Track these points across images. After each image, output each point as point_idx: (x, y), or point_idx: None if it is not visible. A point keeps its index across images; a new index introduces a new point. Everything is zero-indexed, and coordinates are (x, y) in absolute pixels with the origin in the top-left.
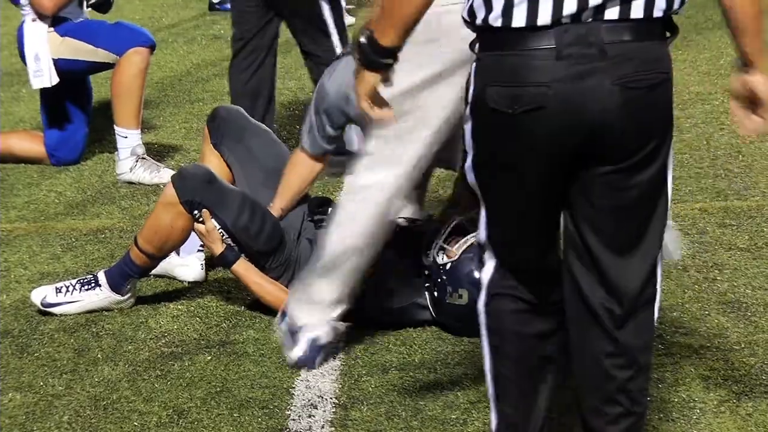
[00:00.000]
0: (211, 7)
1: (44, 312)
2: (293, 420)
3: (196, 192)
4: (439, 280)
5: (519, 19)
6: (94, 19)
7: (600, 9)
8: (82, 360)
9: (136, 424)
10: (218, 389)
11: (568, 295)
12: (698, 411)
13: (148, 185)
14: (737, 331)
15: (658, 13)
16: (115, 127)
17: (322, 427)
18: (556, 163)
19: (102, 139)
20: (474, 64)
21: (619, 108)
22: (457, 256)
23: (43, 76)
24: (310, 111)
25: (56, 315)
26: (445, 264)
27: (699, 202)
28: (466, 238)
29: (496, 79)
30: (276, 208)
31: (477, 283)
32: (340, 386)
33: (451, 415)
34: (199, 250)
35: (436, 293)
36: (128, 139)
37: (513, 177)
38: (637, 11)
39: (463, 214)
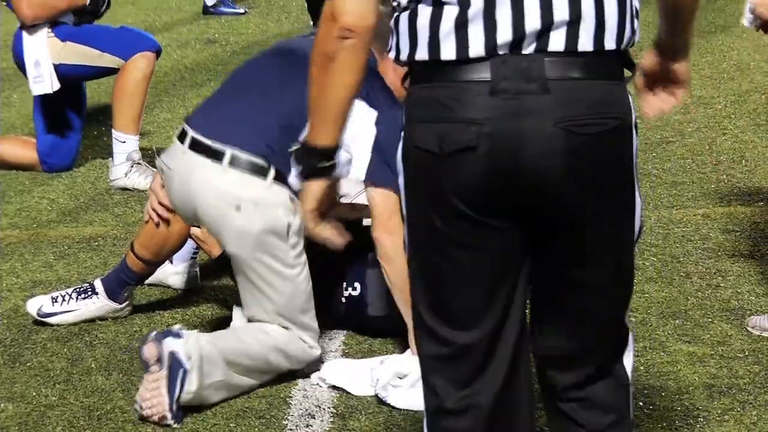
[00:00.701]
0: (205, 11)
1: (39, 322)
2: (291, 430)
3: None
4: None
5: (448, 52)
6: (98, 24)
7: (541, 39)
8: (76, 370)
9: None
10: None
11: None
12: (702, 420)
13: (143, 191)
14: (741, 338)
15: (610, 44)
16: (114, 131)
17: None
18: (485, 221)
19: (94, 145)
20: (404, 100)
21: (562, 156)
22: None
23: (44, 82)
24: None
25: (52, 325)
26: None
27: (702, 208)
28: None
29: (423, 115)
30: None
31: None
32: (338, 396)
33: None
34: (192, 258)
35: None
36: (126, 144)
37: (441, 237)
38: (585, 42)
39: None
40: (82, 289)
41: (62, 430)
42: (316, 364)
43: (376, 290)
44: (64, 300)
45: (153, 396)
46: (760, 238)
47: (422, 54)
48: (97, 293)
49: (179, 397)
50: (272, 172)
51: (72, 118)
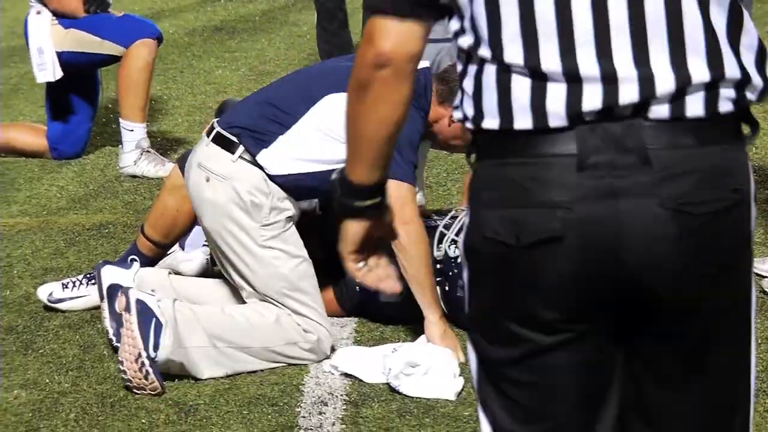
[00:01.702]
0: None
1: (50, 308)
2: (303, 417)
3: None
4: (450, 273)
5: (522, 119)
6: (101, 13)
7: (640, 107)
8: (88, 357)
9: (144, 421)
10: (226, 386)
11: None
12: None
13: (152, 179)
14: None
15: (726, 106)
16: (121, 120)
17: (333, 424)
18: (575, 326)
19: (103, 132)
20: (469, 181)
21: (673, 242)
22: None
23: (47, 69)
24: None
25: (62, 311)
26: (457, 257)
27: None
28: None
29: (494, 198)
30: None
31: None
32: (350, 383)
33: (464, 412)
34: (204, 245)
35: (447, 287)
36: (134, 132)
37: (517, 346)
38: (695, 107)
39: None
40: (92, 274)
41: (76, 417)
42: (323, 352)
43: None
44: (74, 286)
45: (126, 337)
46: None
47: (491, 122)
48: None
49: (157, 347)
50: (240, 149)
51: (83, 106)
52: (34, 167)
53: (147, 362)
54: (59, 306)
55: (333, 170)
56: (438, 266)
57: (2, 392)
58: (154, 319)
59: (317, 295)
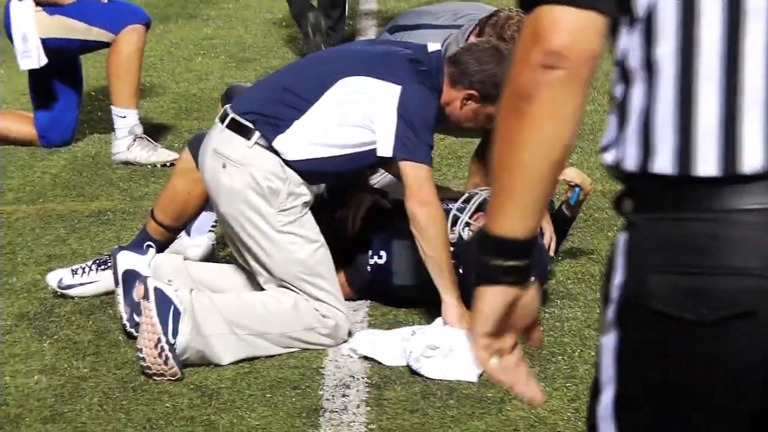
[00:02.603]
0: None
1: (59, 295)
2: (327, 400)
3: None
4: (464, 256)
5: (708, 164)
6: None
7: None
8: (104, 342)
9: (168, 405)
10: (246, 370)
11: None
12: None
13: (146, 165)
14: None
15: None
16: (113, 107)
17: (358, 406)
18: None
19: (89, 119)
20: (623, 235)
21: None
22: None
23: (32, 56)
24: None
25: (72, 297)
26: (470, 241)
27: None
28: None
29: (663, 260)
30: None
31: None
32: (370, 366)
33: (488, 393)
34: (210, 231)
35: (461, 270)
36: (126, 118)
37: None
38: None
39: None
40: (101, 260)
41: (99, 401)
42: (340, 337)
43: (403, 259)
44: (84, 272)
45: (146, 324)
46: None
47: (663, 165)
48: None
49: (175, 334)
50: (256, 135)
51: (68, 93)
52: (24, 155)
53: (166, 347)
54: (69, 292)
55: (348, 155)
56: (452, 249)
57: (22, 378)
58: (172, 307)
59: (334, 280)
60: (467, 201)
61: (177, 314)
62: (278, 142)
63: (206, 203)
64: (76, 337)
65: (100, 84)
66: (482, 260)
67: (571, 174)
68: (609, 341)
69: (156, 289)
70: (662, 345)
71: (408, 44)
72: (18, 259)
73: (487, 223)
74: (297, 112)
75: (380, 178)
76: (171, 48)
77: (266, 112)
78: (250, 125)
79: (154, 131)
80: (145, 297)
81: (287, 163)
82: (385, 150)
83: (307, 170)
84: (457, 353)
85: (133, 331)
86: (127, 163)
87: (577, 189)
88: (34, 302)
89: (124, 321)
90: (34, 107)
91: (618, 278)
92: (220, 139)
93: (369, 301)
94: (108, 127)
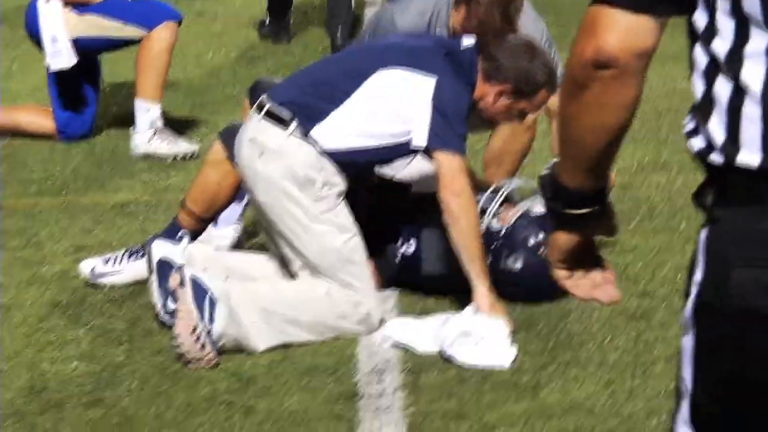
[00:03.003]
0: None
1: (91, 284)
2: (364, 385)
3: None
4: (492, 246)
5: None
6: None
7: None
8: (137, 330)
9: (206, 390)
10: (280, 357)
11: None
12: None
13: (165, 158)
14: None
15: None
16: (137, 99)
17: (394, 391)
18: None
19: (106, 114)
20: (703, 230)
21: None
22: (510, 223)
23: (62, 56)
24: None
25: (105, 286)
26: (500, 230)
27: None
28: (518, 206)
29: (748, 254)
30: None
31: (532, 249)
32: (404, 353)
33: (522, 379)
34: (236, 222)
35: (489, 259)
36: (150, 112)
37: None
38: None
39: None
40: (134, 249)
41: (138, 387)
42: (372, 324)
43: (433, 249)
44: (116, 261)
45: (182, 311)
46: None
47: (749, 158)
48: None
49: (212, 321)
50: (293, 125)
51: (87, 88)
52: (44, 149)
53: (203, 333)
54: (102, 280)
55: (384, 145)
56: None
57: (60, 365)
58: (208, 295)
59: (367, 269)
60: (495, 191)
61: (213, 302)
62: (315, 133)
63: (236, 194)
64: (109, 325)
65: (115, 80)
66: (554, 206)
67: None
68: (687, 342)
69: (192, 277)
70: (740, 341)
71: (441, 38)
72: (46, 250)
73: (558, 174)
74: (334, 104)
75: (402, 171)
76: (182, 45)
77: (304, 103)
78: (288, 115)
79: (170, 125)
80: (182, 285)
81: (323, 153)
82: (420, 140)
83: (343, 160)
84: (489, 340)
85: (166, 319)
86: (146, 156)
87: None
88: (66, 291)
89: (158, 309)
90: (53, 102)
91: (698, 274)
92: (258, 128)
93: (398, 290)
94: (125, 121)
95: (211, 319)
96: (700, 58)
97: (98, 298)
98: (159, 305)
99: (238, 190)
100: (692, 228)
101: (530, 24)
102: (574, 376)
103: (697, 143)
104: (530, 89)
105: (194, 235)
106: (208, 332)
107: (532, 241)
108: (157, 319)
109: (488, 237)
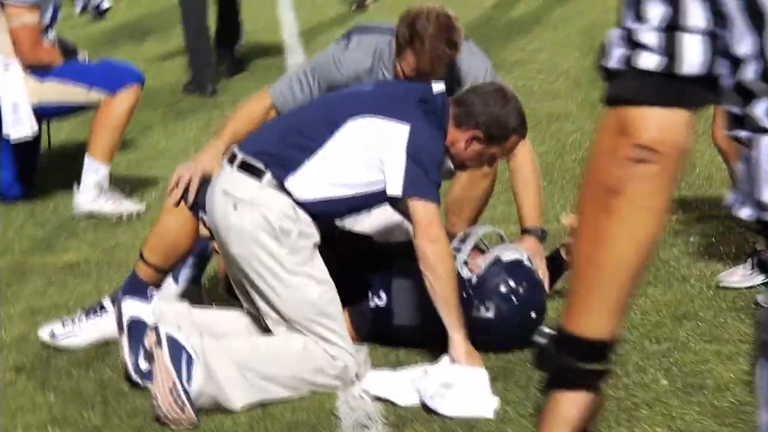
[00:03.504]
0: None
1: (54, 348)
2: None
3: (203, 194)
4: (464, 295)
5: None
6: (75, 59)
7: None
8: (109, 392)
9: None
10: (260, 415)
11: None
12: (751, 413)
13: (110, 217)
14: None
15: None
16: (89, 158)
17: None
18: None
19: (46, 173)
20: None
21: None
22: (482, 270)
23: (23, 125)
24: None
25: (66, 348)
26: (470, 278)
27: (674, 214)
28: (490, 252)
29: None
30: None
31: (504, 296)
32: (384, 407)
33: (507, 429)
34: (195, 275)
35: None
36: (99, 172)
37: None
38: None
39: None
40: (90, 309)
41: None
42: (350, 378)
43: (403, 300)
44: (73, 322)
45: (160, 371)
46: (738, 240)
47: None
48: (106, 310)
49: (189, 380)
50: (267, 176)
51: (31, 149)
52: None
53: (182, 394)
54: (63, 343)
55: (359, 194)
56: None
57: (35, 431)
58: (184, 353)
59: (343, 322)
60: (464, 240)
61: (190, 360)
62: (290, 183)
63: (196, 242)
64: (79, 388)
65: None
66: (564, 362)
67: (575, 220)
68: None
69: (168, 336)
70: None
71: (413, 84)
72: (2, 314)
73: (567, 321)
74: (308, 153)
75: (366, 223)
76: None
77: (277, 153)
78: (261, 166)
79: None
80: (158, 344)
81: (298, 203)
82: (395, 189)
83: (318, 210)
84: (471, 391)
85: (138, 379)
86: (90, 215)
87: None
88: (29, 355)
89: (129, 369)
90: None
91: None
92: (230, 180)
93: (368, 343)
94: (63, 180)
95: (189, 378)
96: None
97: (63, 360)
98: (130, 365)
99: (197, 239)
100: (650, 272)
101: (477, 62)
102: None
103: (747, 212)
104: (502, 134)
105: (155, 288)
106: (186, 391)
107: (503, 289)
108: (127, 379)
109: (459, 286)
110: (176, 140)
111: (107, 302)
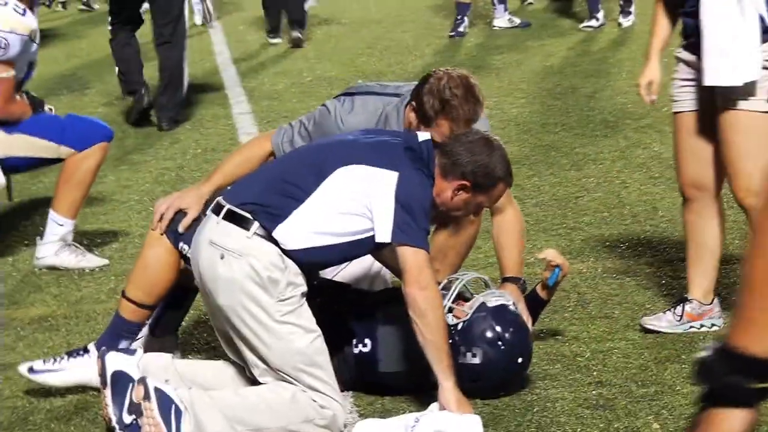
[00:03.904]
0: None
1: (29, 401)
2: None
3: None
4: (450, 341)
5: None
6: (44, 113)
7: None
8: None
9: None
10: None
11: None
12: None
13: (72, 271)
14: None
15: None
16: (53, 212)
17: None
18: None
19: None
20: None
21: None
22: (468, 316)
23: None
24: None
25: (44, 384)
26: (456, 324)
27: (642, 256)
28: (475, 298)
29: None
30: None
31: (491, 342)
32: None
33: None
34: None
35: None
36: (63, 227)
37: None
38: None
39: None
40: (74, 351)
41: None
42: (338, 427)
43: (388, 346)
44: (55, 360)
45: (149, 425)
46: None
47: None
48: (89, 352)
49: None
50: (255, 225)
51: None
52: None
53: None
54: (41, 378)
55: (347, 242)
56: None
57: None
58: (173, 406)
59: (331, 371)
60: (447, 288)
61: (178, 413)
62: (278, 232)
63: (179, 277)
64: None
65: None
66: (731, 380)
67: (551, 254)
68: None
69: (156, 389)
70: None
71: (399, 133)
72: None
73: (738, 339)
74: (295, 202)
75: (341, 270)
76: None
77: (264, 203)
78: (249, 215)
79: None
80: (146, 397)
81: (286, 252)
82: (384, 236)
83: (306, 259)
84: None
85: None
86: (52, 268)
87: (557, 269)
88: (5, 411)
89: (113, 423)
90: None
91: None
92: (217, 230)
93: (352, 391)
94: (20, 232)
95: (178, 426)
96: None
97: (41, 416)
98: (114, 419)
99: (179, 273)
100: (628, 316)
101: (480, 122)
102: None
103: None
104: (489, 183)
105: (137, 328)
106: None
107: (490, 335)
108: None
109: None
110: (133, 192)
111: (91, 346)
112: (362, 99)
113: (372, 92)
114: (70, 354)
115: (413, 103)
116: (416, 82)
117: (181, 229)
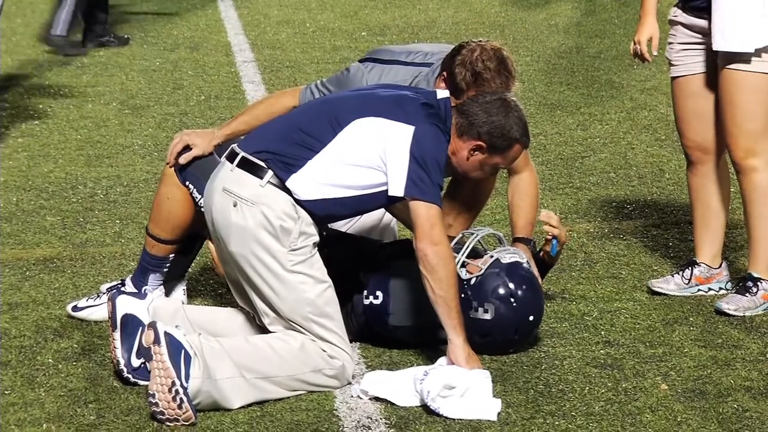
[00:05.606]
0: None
1: (36, 343)
2: None
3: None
4: (462, 296)
5: None
6: None
7: None
8: (101, 389)
9: None
10: (259, 414)
11: None
12: (755, 420)
13: (78, 213)
14: (754, 342)
15: None
16: None
17: None
18: None
19: None
20: None
21: None
22: (482, 271)
23: None
24: None
25: (86, 319)
26: (469, 279)
27: (648, 218)
28: (489, 253)
29: None
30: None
31: (503, 298)
32: (384, 407)
33: (512, 431)
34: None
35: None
36: None
37: None
38: None
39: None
40: (112, 286)
41: None
42: (347, 378)
43: (400, 300)
44: (98, 296)
45: (158, 369)
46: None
47: None
48: (125, 285)
49: (187, 379)
50: (269, 174)
51: None
52: None
53: (181, 391)
54: (80, 314)
55: (360, 195)
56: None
57: (30, 426)
58: (183, 351)
59: (341, 321)
60: (461, 242)
61: (188, 358)
62: (291, 182)
63: (195, 207)
64: (70, 384)
65: None
66: None
67: (547, 217)
68: None
69: (166, 334)
70: None
71: (418, 89)
72: None
73: None
74: (310, 152)
75: (354, 223)
76: (56, 95)
77: (279, 152)
78: (263, 164)
79: (67, 184)
80: (156, 342)
81: (299, 202)
82: (397, 189)
83: (319, 210)
84: (473, 392)
85: (128, 375)
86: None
87: (554, 241)
88: (12, 350)
89: (121, 366)
90: None
91: None
92: (231, 178)
93: (360, 343)
94: (23, 173)
95: (187, 377)
96: None
97: (48, 357)
98: (122, 362)
99: (192, 206)
100: (635, 276)
101: None
102: (565, 429)
103: None
104: (505, 144)
105: (163, 262)
106: (185, 390)
107: (503, 291)
108: (117, 376)
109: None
110: (136, 136)
111: (128, 279)
112: (393, 69)
113: (398, 61)
114: (108, 289)
115: (444, 74)
116: (443, 47)
117: (182, 161)
